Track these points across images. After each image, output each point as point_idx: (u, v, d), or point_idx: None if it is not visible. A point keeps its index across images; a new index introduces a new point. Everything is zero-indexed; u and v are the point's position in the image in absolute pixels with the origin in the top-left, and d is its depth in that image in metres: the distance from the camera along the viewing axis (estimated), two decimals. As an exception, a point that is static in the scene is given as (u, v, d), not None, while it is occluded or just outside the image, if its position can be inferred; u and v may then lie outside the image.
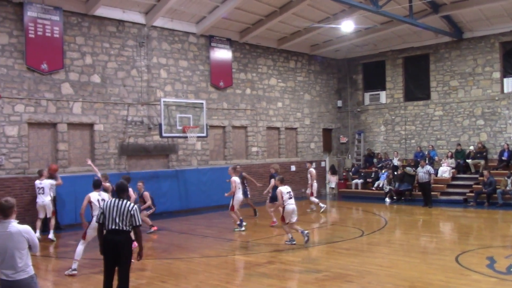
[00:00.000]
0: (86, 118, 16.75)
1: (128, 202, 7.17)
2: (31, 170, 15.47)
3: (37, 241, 5.87)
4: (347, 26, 19.80)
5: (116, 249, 7.02)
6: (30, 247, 5.80)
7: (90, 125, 16.94)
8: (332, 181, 25.01)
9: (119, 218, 7.02)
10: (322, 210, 18.05)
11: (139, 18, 18.10)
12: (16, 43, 15.30)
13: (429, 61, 23.82)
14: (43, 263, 10.79)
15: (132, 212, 7.05)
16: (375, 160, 24.76)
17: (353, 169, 25.21)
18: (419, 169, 19.62)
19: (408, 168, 21.45)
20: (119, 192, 7.31)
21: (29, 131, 15.60)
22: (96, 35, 17.06)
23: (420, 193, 20.08)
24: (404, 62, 24.82)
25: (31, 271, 5.80)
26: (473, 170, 21.54)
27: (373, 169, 24.06)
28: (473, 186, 20.44)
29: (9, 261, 5.65)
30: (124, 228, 7.03)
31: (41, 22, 15.64)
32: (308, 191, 18.46)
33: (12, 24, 15.24)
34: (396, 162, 23.23)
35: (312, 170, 18.54)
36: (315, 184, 18.31)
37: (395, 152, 24.09)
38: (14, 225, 5.71)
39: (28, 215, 15.03)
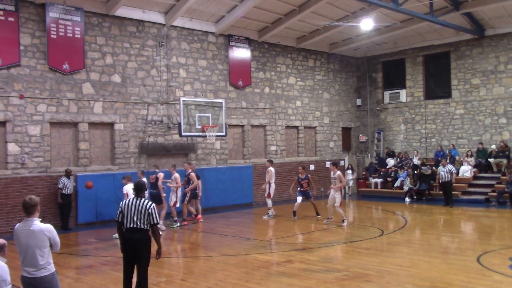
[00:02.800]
0: (106, 118, 16.93)
1: (146, 201, 7.24)
2: (53, 169, 15.71)
3: (58, 240, 5.95)
4: (366, 24, 19.68)
5: (135, 247, 7.10)
6: (51, 246, 5.89)
7: (111, 125, 17.12)
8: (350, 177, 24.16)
9: (137, 217, 7.10)
10: (266, 216, 16.86)
11: (158, 18, 18.23)
12: (39, 43, 15.54)
13: (450, 59, 23.53)
14: (64, 260, 10.94)
15: (149, 210, 7.13)
16: (389, 160, 24.38)
17: (370, 168, 25.03)
18: (441, 168, 19.38)
19: (424, 168, 21.21)
20: (137, 191, 7.39)
21: (51, 131, 15.82)
22: (116, 35, 17.23)
23: (440, 192, 19.88)
24: (425, 60, 24.56)
25: (52, 268, 5.89)
26: (495, 169, 21.23)
27: (393, 168, 23.82)
28: (495, 185, 20.13)
29: (30, 258, 5.74)
30: (142, 226, 7.10)
31: (63, 22, 15.85)
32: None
33: (35, 25, 15.48)
34: (416, 161, 23.01)
35: (271, 169, 17.08)
36: (273, 185, 16.98)
37: (415, 151, 23.86)
38: (37, 223, 5.80)
39: (50, 213, 15.31)
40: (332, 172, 15.60)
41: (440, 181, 19.56)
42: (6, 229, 14.12)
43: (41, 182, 15.37)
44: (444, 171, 19.10)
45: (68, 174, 15.50)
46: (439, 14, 19.86)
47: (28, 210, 5.81)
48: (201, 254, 11.68)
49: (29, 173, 15.23)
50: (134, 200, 7.24)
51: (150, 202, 7.25)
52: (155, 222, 7.18)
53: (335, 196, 14.93)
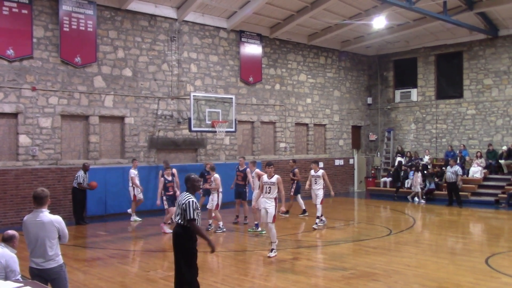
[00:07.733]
0: (117, 111, 17.00)
1: (185, 196, 7.10)
2: (64, 161, 15.81)
3: (66, 231, 6.00)
4: (379, 22, 19.58)
5: (174, 241, 7.18)
6: (60, 237, 5.93)
7: (121, 118, 17.19)
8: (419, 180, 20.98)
9: (177, 211, 7.14)
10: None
11: (171, 12, 18.25)
12: (51, 36, 15.62)
13: (463, 58, 23.36)
14: (72, 253, 11.02)
15: (183, 206, 6.99)
16: (397, 159, 24.20)
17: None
18: (448, 168, 19.28)
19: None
20: (185, 184, 7.32)
21: (62, 123, 15.92)
22: (128, 29, 17.28)
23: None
24: (437, 59, 24.40)
25: (60, 260, 5.94)
26: (505, 170, 21.06)
27: (403, 167, 23.71)
28: (505, 187, 19.99)
29: (39, 249, 5.79)
30: (180, 221, 7.07)
31: (76, 16, 15.93)
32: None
33: (48, 17, 15.56)
34: (426, 160, 22.90)
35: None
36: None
37: (426, 151, 23.74)
38: (46, 214, 5.86)
39: (60, 205, 15.41)
40: (313, 171, 15.07)
41: (446, 181, 19.59)
42: (16, 220, 14.25)
43: (52, 174, 15.48)
44: (450, 172, 19.05)
45: (85, 168, 15.26)
46: (452, 14, 19.71)
47: (39, 201, 5.86)
48: (208, 249, 11.69)
49: (40, 165, 15.34)
50: (182, 194, 7.27)
51: (187, 199, 7.02)
52: (190, 217, 6.95)
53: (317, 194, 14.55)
